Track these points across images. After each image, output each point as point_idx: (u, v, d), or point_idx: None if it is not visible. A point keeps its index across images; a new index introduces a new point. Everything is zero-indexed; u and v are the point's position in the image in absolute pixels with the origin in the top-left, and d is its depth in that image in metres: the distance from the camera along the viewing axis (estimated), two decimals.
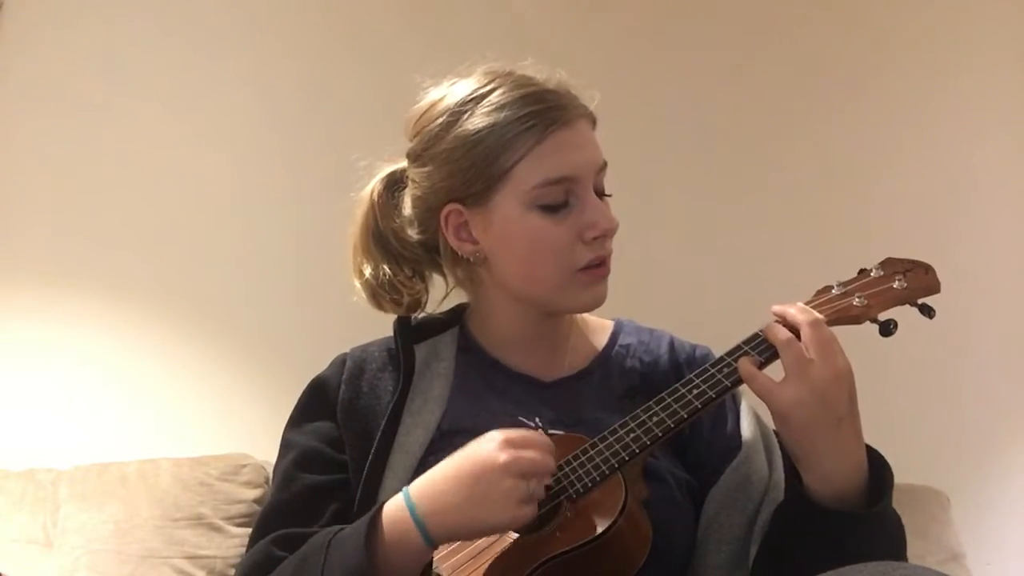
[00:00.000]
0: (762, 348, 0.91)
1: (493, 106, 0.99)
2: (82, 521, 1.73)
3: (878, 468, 0.91)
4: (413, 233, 1.09)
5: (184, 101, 2.10)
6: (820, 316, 0.90)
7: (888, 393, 2.05)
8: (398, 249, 1.10)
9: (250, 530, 1.05)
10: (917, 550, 1.81)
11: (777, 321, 0.92)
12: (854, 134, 2.26)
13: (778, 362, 0.90)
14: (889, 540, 0.90)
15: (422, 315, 1.14)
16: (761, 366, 0.91)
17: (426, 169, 1.04)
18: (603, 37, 2.24)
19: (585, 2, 2.28)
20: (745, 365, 0.90)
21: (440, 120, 1.02)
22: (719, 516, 0.99)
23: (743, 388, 0.93)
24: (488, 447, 0.85)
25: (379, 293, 1.10)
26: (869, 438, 0.92)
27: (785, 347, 0.88)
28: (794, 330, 0.89)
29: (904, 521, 0.93)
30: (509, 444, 0.84)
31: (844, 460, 0.88)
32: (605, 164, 1.03)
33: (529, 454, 0.84)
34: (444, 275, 1.13)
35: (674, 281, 2.11)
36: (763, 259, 2.17)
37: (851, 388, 0.88)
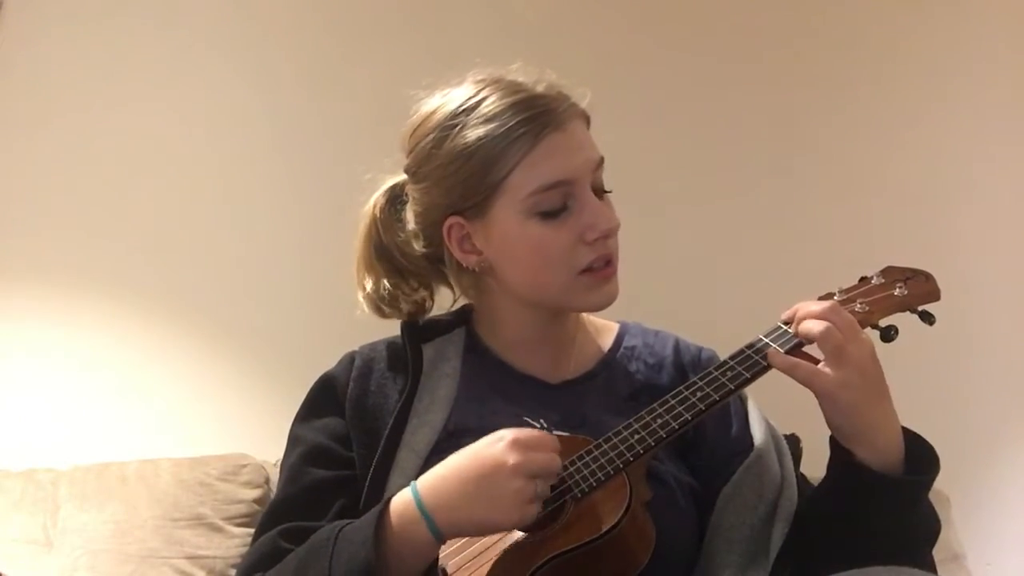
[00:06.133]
0: (783, 341, 0.92)
1: (483, 117, 1.00)
2: (82, 521, 1.73)
3: (909, 439, 0.93)
4: (418, 247, 1.10)
5: (185, 102, 2.10)
6: (834, 302, 0.93)
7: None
8: (403, 263, 1.11)
9: (250, 530, 1.05)
10: None
11: (788, 320, 0.94)
12: (857, 139, 2.26)
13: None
14: (932, 511, 0.96)
15: (428, 315, 1.15)
16: None
17: (423, 185, 1.05)
18: (604, 37, 2.24)
19: (589, 1, 2.28)
20: (782, 356, 0.91)
21: (432, 136, 1.03)
22: (729, 516, 1.00)
23: (749, 389, 0.93)
24: (498, 447, 0.85)
25: (380, 307, 1.11)
26: None
27: (825, 337, 0.89)
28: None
29: None
30: (519, 445, 0.85)
31: (893, 431, 0.91)
32: (602, 160, 1.03)
33: (538, 455, 0.85)
34: (451, 286, 1.13)
35: (675, 284, 2.11)
36: (766, 265, 2.17)
37: (879, 362, 0.91)
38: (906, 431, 0.93)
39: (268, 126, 2.13)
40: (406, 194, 1.10)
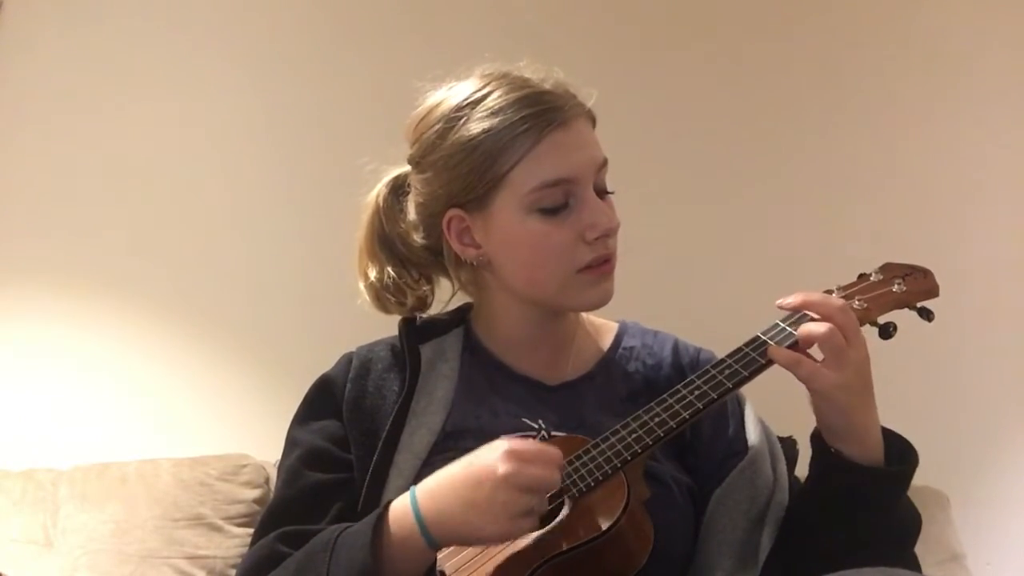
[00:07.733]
0: (781, 339, 0.92)
1: (489, 111, 1.00)
2: (82, 521, 1.73)
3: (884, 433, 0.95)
4: (418, 238, 1.10)
5: (185, 102, 2.10)
6: (845, 302, 0.92)
7: (887, 394, 2.04)
8: (404, 253, 1.11)
9: (250, 530, 1.05)
10: (917, 551, 1.82)
11: (791, 308, 0.93)
12: (855, 138, 2.27)
13: None
14: (913, 504, 0.97)
15: (427, 315, 1.14)
16: None
17: (426, 175, 1.05)
18: (606, 37, 2.24)
19: (592, 1, 2.28)
20: (784, 352, 0.91)
21: (437, 127, 1.03)
22: (721, 518, 1.00)
23: (746, 392, 0.93)
24: (491, 456, 0.83)
25: (383, 296, 1.11)
26: None
27: (827, 338, 0.88)
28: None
29: None
30: (513, 456, 0.82)
31: (877, 429, 0.92)
32: (605, 162, 1.03)
33: (532, 469, 0.82)
34: (450, 278, 1.13)
35: (675, 283, 2.11)
36: (764, 262, 2.17)
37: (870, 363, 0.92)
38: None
39: (268, 126, 2.13)
40: (409, 184, 1.10)
